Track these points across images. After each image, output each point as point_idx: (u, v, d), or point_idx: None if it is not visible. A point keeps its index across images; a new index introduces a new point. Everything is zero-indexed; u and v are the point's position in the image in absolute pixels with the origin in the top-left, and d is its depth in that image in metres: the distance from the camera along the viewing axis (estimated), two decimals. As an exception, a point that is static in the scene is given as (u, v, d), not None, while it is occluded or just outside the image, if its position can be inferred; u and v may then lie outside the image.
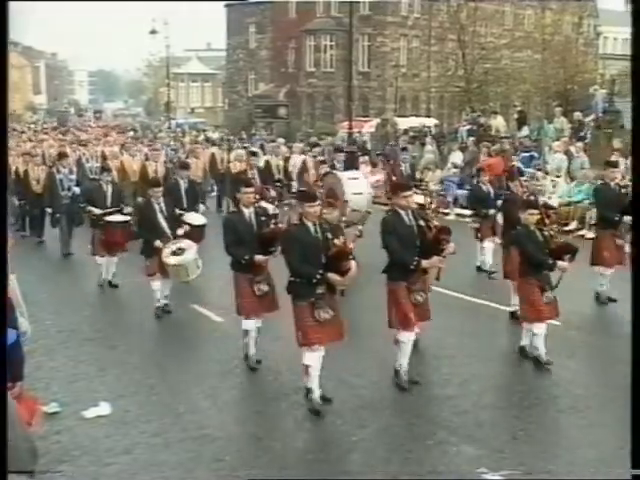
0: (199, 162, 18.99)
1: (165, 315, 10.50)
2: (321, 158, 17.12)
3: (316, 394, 7.30)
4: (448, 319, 9.82)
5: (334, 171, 13.79)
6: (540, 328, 8.44)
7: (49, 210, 15.11)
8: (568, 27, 47.50)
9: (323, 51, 50.93)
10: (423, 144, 25.15)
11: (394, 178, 14.75)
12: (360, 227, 13.20)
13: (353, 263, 7.06)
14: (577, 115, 24.24)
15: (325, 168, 13.97)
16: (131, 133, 32.25)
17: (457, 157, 21.78)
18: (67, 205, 14.79)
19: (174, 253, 10.01)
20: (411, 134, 28.69)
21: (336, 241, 7.18)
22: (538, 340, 8.46)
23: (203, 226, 12.13)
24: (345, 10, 42.33)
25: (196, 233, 11.35)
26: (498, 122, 26.62)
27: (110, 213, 12.18)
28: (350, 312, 9.02)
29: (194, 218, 11.76)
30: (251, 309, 8.37)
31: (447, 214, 18.94)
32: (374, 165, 22.37)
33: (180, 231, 10.48)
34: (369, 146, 29.51)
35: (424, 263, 7.59)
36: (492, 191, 12.91)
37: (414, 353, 7.99)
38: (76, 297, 11.97)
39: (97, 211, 12.21)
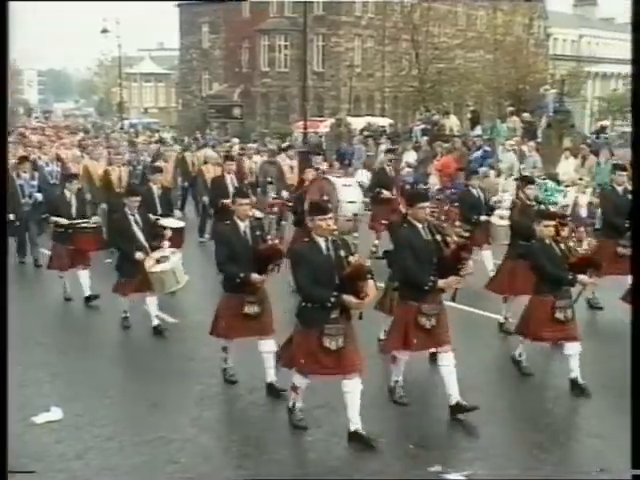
0: (168, 166, 17.50)
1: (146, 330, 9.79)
2: (293, 162, 15.97)
3: (298, 406, 6.89)
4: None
5: (328, 176, 12.77)
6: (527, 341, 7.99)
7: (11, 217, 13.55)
8: (519, 28, 48.27)
9: (277, 51, 50.93)
10: (378, 144, 25.26)
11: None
12: (376, 242, 12.69)
13: (371, 283, 6.32)
14: (526, 116, 24.60)
15: (312, 172, 12.85)
16: (81, 134, 31.54)
17: (411, 156, 21.90)
18: (28, 213, 13.79)
19: (158, 262, 9.39)
20: (366, 134, 28.83)
21: (351, 258, 6.46)
22: (572, 361, 7.66)
23: (182, 229, 11.61)
24: (299, 10, 42.45)
25: (175, 237, 10.68)
26: (452, 122, 26.91)
27: (78, 224, 11.17)
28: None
29: (171, 222, 11.17)
30: (230, 329, 7.60)
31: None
32: (330, 165, 22.36)
33: (165, 238, 9.84)
34: (324, 146, 29.54)
35: (440, 283, 6.88)
36: (482, 195, 11.88)
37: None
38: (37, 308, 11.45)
39: (63, 221, 11.16)
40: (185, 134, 37.64)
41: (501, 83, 43.11)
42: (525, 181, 10.17)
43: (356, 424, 6.43)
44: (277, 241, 8.18)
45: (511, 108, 28.18)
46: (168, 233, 9.99)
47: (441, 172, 19.35)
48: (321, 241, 6.48)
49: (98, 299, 10.93)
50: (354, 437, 6.44)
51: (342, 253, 6.47)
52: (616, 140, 45.44)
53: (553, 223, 7.89)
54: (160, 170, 13.04)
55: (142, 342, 9.64)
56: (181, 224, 11.70)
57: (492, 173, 18.90)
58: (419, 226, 7.01)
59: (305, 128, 33.04)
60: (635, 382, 4.39)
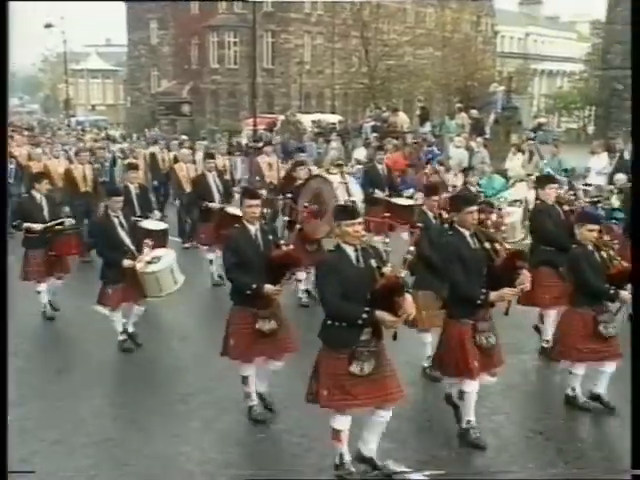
0: (138, 163, 16.28)
1: (135, 347, 8.92)
2: (272, 159, 15.20)
3: (347, 458, 5.75)
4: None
5: (323, 173, 11.86)
6: (579, 369, 7.01)
7: None
8: (467, 25, 49.01)
9: (227, 47, 50.79)
10: (328, 141, 25.23)
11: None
12: (411, 248, 11.41)
13: (409, 298, 5.46)
14: (474, 112, 24.80)
15: (305, 170, 11.89)
16: (25, 132, 30.85)
17: (361, 153, 21.91)
18: None
19: (150, 262, 8.52)
20: (316, 130, 28.80)
21: (385, 269, 5.56)
22: (604, 378, 6.98)
23: (165, 232, 10.75)
24: (248, 7, 42.27)
25: (158, 241, 9.74)
26: (401, 118, 26.97)
27: (54, 226, 9.96)
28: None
29: (153, 224, 10.44)
30: (243, 349, 6.63)
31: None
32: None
33: (149, 244, 8.78)
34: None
35: (493, 296, 6.07)
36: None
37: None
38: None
39: (37, 226, 9.87)
40: (134, 131, 37.19)
41: (450, 80, 43.63)
42: (544, 181, 8.96)
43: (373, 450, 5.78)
44: (291, 246, 7.18)
45: (460, 105, 28.45)
46: (148, 243, 8.83)
47: (391, 168, 19.38)
48: (350, 250, 5.65)
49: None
50: (367, 461, 5.83)
51: (373, 263, 5.61)
52: (562, 136, 46.27)
53: (597, 227, 7.07)
54: (136, 167, 12.34)
55: (92, 342, 9.26)
56: (164, 226, 10.96)
57: (442, 169, 19.04)
58: (466, 233, 6.31)
59: (255, 125, 32.93)
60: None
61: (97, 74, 72.40)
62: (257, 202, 6.81)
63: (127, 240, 8.64)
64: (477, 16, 50.15)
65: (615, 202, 13.65)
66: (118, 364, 8.59)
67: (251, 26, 39.27)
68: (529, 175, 17.38)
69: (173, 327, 9.99)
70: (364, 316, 5.36)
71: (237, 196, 11.09)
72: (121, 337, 8.78)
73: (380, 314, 5.35)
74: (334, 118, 36.72)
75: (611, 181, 15.24)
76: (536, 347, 8.56)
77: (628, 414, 5.49)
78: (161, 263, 8.52)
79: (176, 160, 16.83)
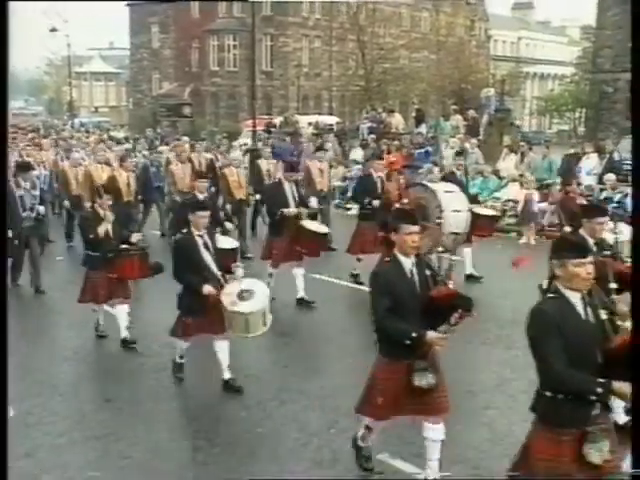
0: (186, 167, 14.41)
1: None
2: (323, 166, 14.07)
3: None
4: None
5: (425, 182, 10.95)
6: None
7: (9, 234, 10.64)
8: (461, 29, 49.59)
9: (226, 51, 51.38)
10: (325, 142, 25.53)
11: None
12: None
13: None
14: (471, 113, 25.12)
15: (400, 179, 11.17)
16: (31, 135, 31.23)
17: (358, 154, 22.33)
18: (30, 229, 11.31)
19: (241, 297, 7.04)
20: (313, 132, 29.26)
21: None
22: None
23: (236, 250, 9.64)
24: (247, 10, 42.84)
25: (229, 261, 8.32)
26: (397, 120, 27.37)
27: (124, 243, 8.85)
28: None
29: (225, 241, 9.17)
30: (390, 408, 5.33)
31: (349, 209, 18.54)
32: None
33: (239, 271, 7.38)
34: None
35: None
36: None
37: None
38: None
39: (106, 244, 8.77)
40: (136, 133, 37.85)
41: (444, 82, 44.22)
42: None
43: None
44: (451, 284, 5.86)
45: (454, 107, 28.96)
46: (237, 266, 7.50)
47: (389, 169, 19.80)
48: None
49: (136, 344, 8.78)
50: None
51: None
52: (554, 138, 47.20)
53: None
54: (206, 176, 10.80)
55: (94, 339, 9.19)
56: (235, 244, 9.85)
57: (436, 170, 19.44)
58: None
59: (254, 126, 33.55)
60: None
61: (100, 77, 72.95)
62: (417, 229, 5.30)
63: (211, 263, 7.33)
64: (471, 20, 50.82)
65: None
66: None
67: (250, 30, 39.87)
68: (521, 175, 17.95)
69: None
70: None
71: (313, 203, 10.82)
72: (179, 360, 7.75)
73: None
74: (331, 119, 37.26)
75: (601, 181, 16.07)
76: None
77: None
78: (254, 302, 7.04)
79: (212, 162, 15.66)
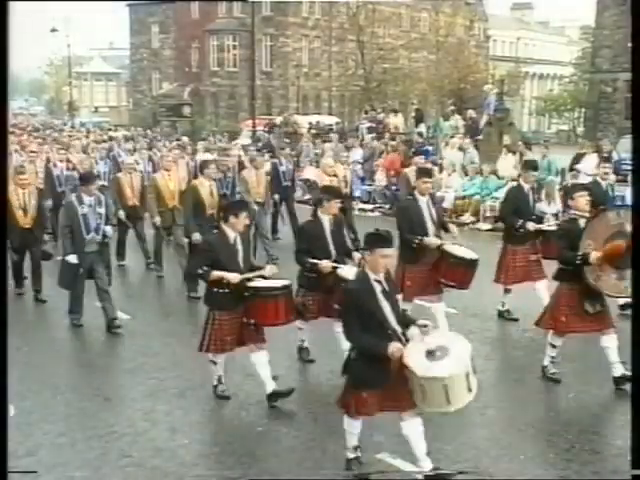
0: (260, 174, 13.18)
1: None
2: None
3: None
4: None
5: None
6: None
7: (72, 260, 9.20)
8: (460, 29, 49.67)
9: (226, 51, 51.37)
10: (325, 141, 25.65)
11: None
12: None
13: None
14: (470, 113, 25.07)
15: (585, 197, 8.69)
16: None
17: (357, 154, 22.48)
18: (95, 255, 9.41)
19: (432, 357, 5.22)
20: (313, 132, 29.36)
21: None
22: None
23: (475, 263, 8.22)
24: (247, 11, 42.99)
25: (462, 275, 8.01)
26: (397, 120, 27.50)
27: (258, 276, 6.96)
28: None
29: (462, 251, 8.20)
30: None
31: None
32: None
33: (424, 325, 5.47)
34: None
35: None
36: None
37: None
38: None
39: (232, 276, 6.69)
40: (136, 133, 37.89)
41: (443, 82, 44.34)
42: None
43: None
44: None
45: (453, 107, 29.05)
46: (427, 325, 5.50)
47: (388, 169, 19.87)
48: None
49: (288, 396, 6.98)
50: None
51: None
52: (553, 137, 47.29)
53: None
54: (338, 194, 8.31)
55: (96, 339, 9.20)
56: (474, 255, 8.31)
57: (435, 169, 19.50)
58: None
59: (254, 126, 33.72)
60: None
61: (100, 77, 72.79)
62: None
63: (391, 316, 5.43)
64: (470, 20, 50.90)
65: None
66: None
67: (250, 30, 40.24)
68: (519, 175, 17.94)
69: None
70: None
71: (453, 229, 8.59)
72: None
73: None
74: (331, 119, 37.43)
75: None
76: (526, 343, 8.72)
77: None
78: (453, 361, 5.19)
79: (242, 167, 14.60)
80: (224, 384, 7.20)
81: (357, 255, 7.55)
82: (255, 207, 12.12)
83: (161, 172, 12.15)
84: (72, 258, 9.14)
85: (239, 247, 6.82)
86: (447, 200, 18.02)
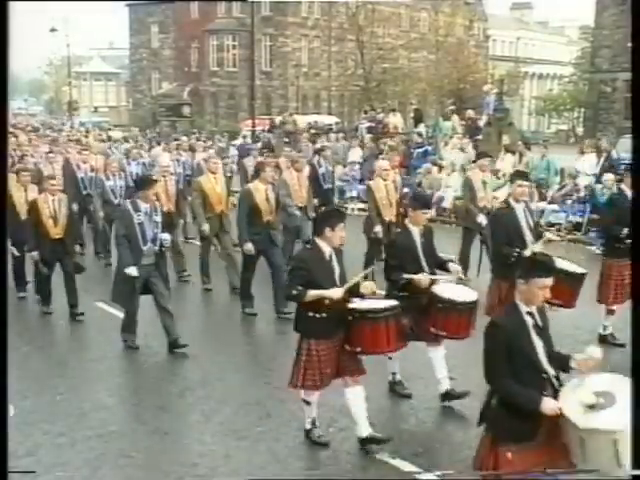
0: (301, 176, 11.80)
1: None
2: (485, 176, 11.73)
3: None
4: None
5: None
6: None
7: (132, 272, 8.36)
8: (460, 29, 49.76)
9: (226, 51, 51.43)
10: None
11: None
12: None
13: None
14: (469, 113, 25.20)
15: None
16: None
17: (356, 153, 22.49)
18: (152, 267, 8.50)
19: (593, 405, 4.11)
20: (312, 131, 29.42)
21: None
22: None
23: (582, 277, 7.28)
24: (247, 11, 43.06)
25: (570, 293, 7.01)
26: (396, 119, 27.58)
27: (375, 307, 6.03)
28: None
29: (568, 265, 7.22)
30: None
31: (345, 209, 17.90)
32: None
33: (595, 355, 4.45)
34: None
35: None
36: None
37: None
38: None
39: (333, 292, 5.75)
40: (136, 132, 37.98)
41: (443, 82, 44.50)
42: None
43: None
44: None
45: (452, 107, 29.14)
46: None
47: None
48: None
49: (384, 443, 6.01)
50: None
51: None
52: (552, 137, 47.28)
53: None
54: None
55: (96, 339, 9.21)
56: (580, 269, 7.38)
57: (434, 169, 19.62)
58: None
59: (253, 126, 33.80)
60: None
61: (100, 77, 72.92)
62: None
63: (544, 357, 4.47)
64: (469, 20, 50.98)
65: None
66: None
67: (249, 30, 40.33)
68: (509, 195, 17.92)
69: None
70: None
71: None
72: None
73: None
74: (330, 119, 37.52)
75: (599, 180, 16.15)
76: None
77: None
78: (620, 411, 4.02)
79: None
80: (319, 427, 6.20)
81: (456, 267, 6.81)
82: (297, 212, 11.34)
83: (207, 175, 11.26)
84: (133, 270, 8.23)
85: (335, 264, 5.86)
86: (446, 200, 18.08)
